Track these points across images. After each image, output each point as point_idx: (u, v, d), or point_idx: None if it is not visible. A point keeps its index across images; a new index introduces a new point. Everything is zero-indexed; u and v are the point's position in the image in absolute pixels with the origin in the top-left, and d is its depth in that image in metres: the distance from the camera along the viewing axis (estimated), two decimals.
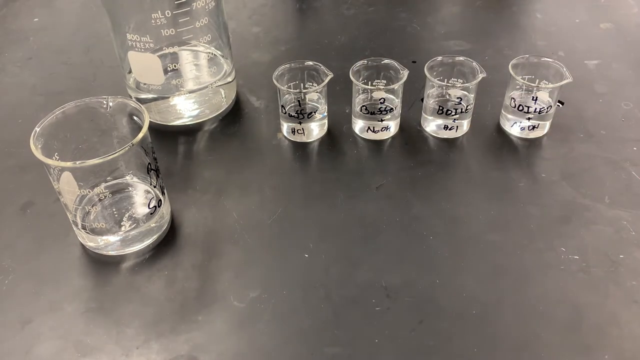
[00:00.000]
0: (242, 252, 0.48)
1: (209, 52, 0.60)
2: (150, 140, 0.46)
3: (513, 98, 0.57)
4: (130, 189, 0.50)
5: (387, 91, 0.56)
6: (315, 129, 0.58)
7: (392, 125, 0.58)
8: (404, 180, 0.54)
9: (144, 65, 0.56)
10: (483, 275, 0.46)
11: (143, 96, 0.59)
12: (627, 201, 0.51)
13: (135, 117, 0.47)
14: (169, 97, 0.59)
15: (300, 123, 0.57)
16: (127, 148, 0.43)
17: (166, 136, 0.59)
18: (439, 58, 0.57)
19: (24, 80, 0.69)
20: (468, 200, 0.52)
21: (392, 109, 0.56)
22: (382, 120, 0.57)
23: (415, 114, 0.60)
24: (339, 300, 0.44)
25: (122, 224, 0.48)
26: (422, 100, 0.59)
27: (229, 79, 0.62)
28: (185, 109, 0.60)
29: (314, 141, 0.58)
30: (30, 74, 0.70)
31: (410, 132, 0.59)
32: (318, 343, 0.42)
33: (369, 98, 0.56)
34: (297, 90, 0.57)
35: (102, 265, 0.47)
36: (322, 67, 0.56)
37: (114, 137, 0.49)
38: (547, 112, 0.56)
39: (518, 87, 0.56)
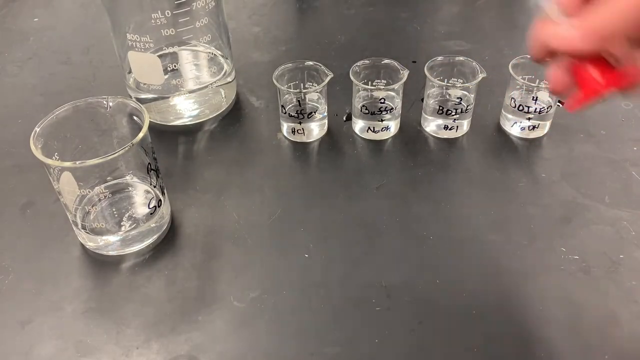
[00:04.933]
0: (242, 252, 0.48)
1: (209, 52, 0.60)
2: (150, 140, 0.46)
3: (513, 98, 0.57)
4: (130, 189, 0.50)
5: (388, 91, 0.56)
6: (315, 129, 0.58)
7: (392, 125, 0.58)
8: (404, 180, 0.54)
9: (144, 65, 0.56)
10: (483, 275, 0.46)
11: (143, 96, 0.59)
12: (627, 201, 0.51)
13: (135, 117, 0.47)
14: (169, 97, 0.59)
15: (300, 123, 0.57)
16: (127, 148, 0.43)
17: (166, 136, 0.59)
18: (439, 58, 0.57)
19: (24, 80, 0.69)
20: (468, 200, 0.52)
21: (392, 108, 0.56)
22: (382, 120, 0.57)
23: (415, 114, 0.60)
24: (339, 300, 0.44)
25: (122, 224, 0.48)
26: (422, 100, 0.59)
27: (229, 79, 0.62)
28: (185, 109, 0.60)
29: (314, 141, 0.58)
30: (30, 74, 0.70)
31: (410, 132, 0.59)
32: (318, 343, 0.42)
33: (369, 98, 0.56)
34: (297, 90, 0.57)
35: (102, 265, 0.47)
36: (322, 67, 0.56)
37: (114, 137, 0.49)
38: (547, 112, 0.56)
39: (518, 87, 0.56)
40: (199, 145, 0.59)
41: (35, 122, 0.44)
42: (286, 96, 0.56)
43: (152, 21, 0.52)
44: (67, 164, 0.42)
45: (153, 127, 0.51)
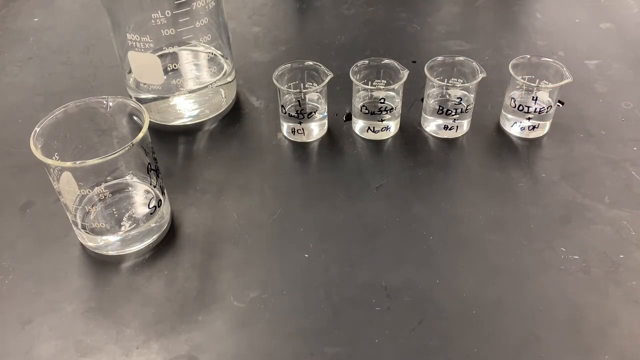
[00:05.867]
0: (242, 252, 0.48)
1: (209, 52, 0.60)
2: (150, 140, 0.46)
3: (513, 98, 0.57)
4: (130, 189, 0.50)
5: (388, 91, 0.56)
6: (315, 129, 0.58)
7: (392, 125, 0.58)
8: (404, 180, 0.54)
9: (144, 65, 0.56)
10: (483, 275, 0.46)
11: (143, 96, 0.59)
12: (627, 201, 0.51)
13: (135, 117, 0.47)
14: (169, 97, 0.59)
15: (300, 123, 0.57)
16: (127, 148, 0.43)
17: (166, 136, 0.59)
18: (439, 58, 0.57)
19: (24, 80, 0.69)
20: (468, 200, 0.52)
21: (392, 108, 0.56)
22: (382, 120, 0.57)
23: (415, 114, 0.60)
24: (339, 300, 0.44)
25: (122, 224, 0.48)
26: (422, 100, 0.59)
27: (229, 79, 0.62)
28: (185, 109, 0.60)
29: (314, 141, 0.58)
30: (30, 74, 0.70)
31: (410, 132, 0.59)
32: (318, 343, 0.42)
33: (369, 98, 0.56)
34: (297, 90, 0.57)
35: (102, 265, 0.47)
36: (322, 67, 0.56)
37: (114, 137, 0.49)
38: (547, 112, 0.56)
39: (518, 87, 0.56)
40: (199, 145, 0.59)
41: (35, 122, 0.44)
42: (286, 96, 0.56)
43: (152, 21, 0.52)
44: (67, 164, 0.42)
45: (153, 127, 0.52)
